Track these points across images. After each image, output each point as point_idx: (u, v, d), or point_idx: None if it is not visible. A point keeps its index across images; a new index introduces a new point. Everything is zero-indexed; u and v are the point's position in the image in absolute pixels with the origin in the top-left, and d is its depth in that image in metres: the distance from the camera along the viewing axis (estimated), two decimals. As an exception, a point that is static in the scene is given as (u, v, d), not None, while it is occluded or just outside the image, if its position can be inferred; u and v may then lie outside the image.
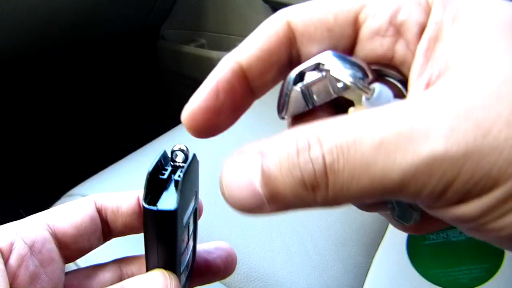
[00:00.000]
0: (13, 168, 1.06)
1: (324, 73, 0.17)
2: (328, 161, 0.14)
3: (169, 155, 0.21)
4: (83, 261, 0.29)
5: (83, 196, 0.51)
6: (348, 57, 0.17)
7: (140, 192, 0.25)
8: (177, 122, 0.69)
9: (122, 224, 0.25)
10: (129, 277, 0.25)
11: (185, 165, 0.20)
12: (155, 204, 0.19)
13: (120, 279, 0.25)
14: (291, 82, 0.18)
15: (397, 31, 0.17)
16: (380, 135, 0.13)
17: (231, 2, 0.95)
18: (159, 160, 0.20)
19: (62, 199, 0.52)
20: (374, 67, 0.17)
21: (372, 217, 0.54)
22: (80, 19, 0.82)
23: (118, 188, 0.52)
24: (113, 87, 1.20)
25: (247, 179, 0.15)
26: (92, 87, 1.16)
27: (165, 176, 0.20)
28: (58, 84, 1.09)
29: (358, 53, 0.18)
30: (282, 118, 0.19)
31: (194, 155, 0.21)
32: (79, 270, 0.26)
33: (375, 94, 0.16)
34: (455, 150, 0.13)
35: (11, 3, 0.66)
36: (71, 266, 0.26)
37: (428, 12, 0.16)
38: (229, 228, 0.50)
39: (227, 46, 0.98)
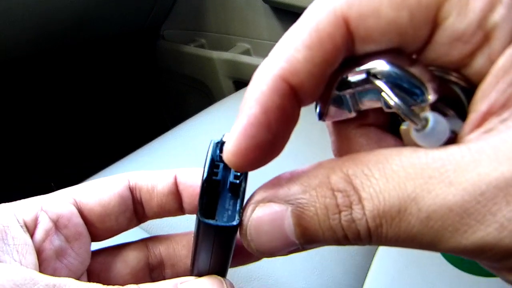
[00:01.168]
0: (13, 168, 1.06)
1: (373, 85, 0.14)
2: (372, 226, 0.13)
3: (211, 149, 0.18)
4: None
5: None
6: (406, 71, 0.14)
7: (177, 171, 0.23)
8: (177, 122, 0.69)
9: (157, 205, 0.23)
10: (156, 256, 0.24)
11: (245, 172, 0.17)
12: (211, 213, 0.17)
13: (147, 258, 0.24)
14: (335, 88, 0.15)
15: (486, 36, 0.13)
16: (427, 209, 0.12)
17: (231, 2, 0.95)
18: (211, 160, 0.18)
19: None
20: (433, 69, 0.14)
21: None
22: (80, 19, 0.82)
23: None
24: (113, 87, 1.20)
25: (279, 231, 0.15)
26: (92, 87, 1.16)
27: (218, 177, 0.18)
28: (58, 84, 1.09)
29: (427, 55, 0.14)
30: (322, 120, 0.17)
31: None
32: (104, 248, 0.24)
33: (427, 129, 0.13)
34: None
35: (10, 3, 0.66)
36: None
37: None
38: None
39: (227, 46, 0.98)
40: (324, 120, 0.17)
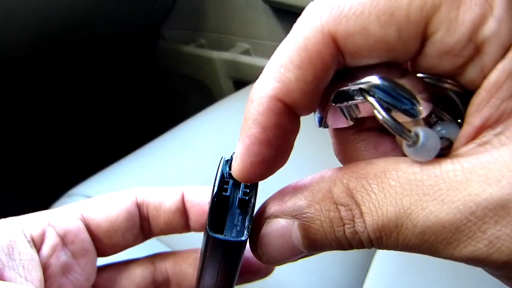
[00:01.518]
0: (13, 168, 1.06)
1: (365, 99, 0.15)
2: (373, 238, 0.14)
3: (221, 166, 0.19)
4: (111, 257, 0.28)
5: (84, 196, 0.51)
6: (398, 84, 0.14)
7: (185, 188, 0.24)
8: (177, 122, 0.69)
9: (164, 222, 0.23)
10: (162, 274, 0.24)
11: (256, 187, 0.18)
12: (220, 228, 0.17)
13: (153, 275, 0.24)
14: (331, 100, 0.16)
15: (477, 50, 0.13)
16: (422, 225, 0.13)
17: (231, 2, 0.95)
18: (222, 176, 0.18)
19: (62, 199, 0.52)
20: (427, 78, 0.14)
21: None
22: (79, 19, 0.82)
23: (118, 188, 0.52)
24: (113, 87, 1.20)
25: (288, 243, 0.16)
26: (92, 87, 1.16)
27: (228, 193, 0.18)
28: (58, 84, 1.09)
29: (418, 66, 0.14)
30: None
31: None
32: (110, 264, 0.24)
33: (418, 145, 0.14)
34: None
35: (10, 3, 0.66)
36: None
37: None
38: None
39: (227, 46, 0.98)
40: (324, 127, 0.18)
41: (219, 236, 0.17)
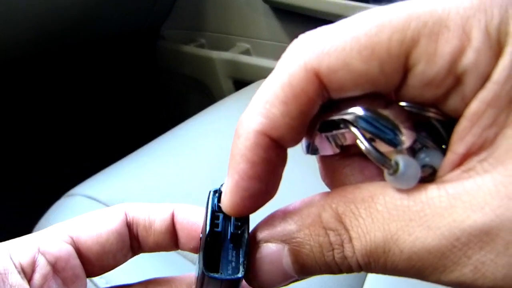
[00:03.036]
0: (13, 168, 1.06)
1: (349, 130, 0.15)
2: (362, 263, 0.14)
3: (210, 197, 0.19)
4: (103, 282, 0.27)
5: (84, 196, 0.51)
6: (381, 115, 0.15)
7: (175, 207, 0.23)
8: (177, 122, 0.69)
9: (153, 242, 0.23)
10: None
11: (247, 222, 0.18)
12: (215, 265, 0.17)
13: None
14: (317, 129, 0.16)
15: (457, 80, 0.13)
16: (408, 251, 0.13)
17: (231, 2, 0.95)
18: (212, 212, 0.18)
19: (62, 199, 0.52)
20: (411, 107, 0.15)
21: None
22: (79, 19, 0.82)
23: (118, 187, 0.52)
24: (113, 87, 1.20)
25: (278, 268, 0.16)
26: (92, 87, 1.16)
27: (219, 228, 0.18)
28: (58, 84, 1.09)
29: (402, 96, 0.15)
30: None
31: None
32: None
33: (398, 174, 0.14)
34: None
35: (10, 3, 0.66)
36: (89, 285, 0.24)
37: (498, 54, 0.13)
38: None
39: (227, 46, 0.98)
40: (311, 154, 0.18)
41: (216, 275, 0.17)
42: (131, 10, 0.93)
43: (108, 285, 0.25)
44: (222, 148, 0.56)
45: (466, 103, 0.13)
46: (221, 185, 0.18)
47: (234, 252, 0.18)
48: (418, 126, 0.15)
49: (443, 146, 0.15)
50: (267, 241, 0.16)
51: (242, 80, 0.97)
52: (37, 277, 0.19)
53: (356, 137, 0.15)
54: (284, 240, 0.16)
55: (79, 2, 0.77)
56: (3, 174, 1.00)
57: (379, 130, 0.14)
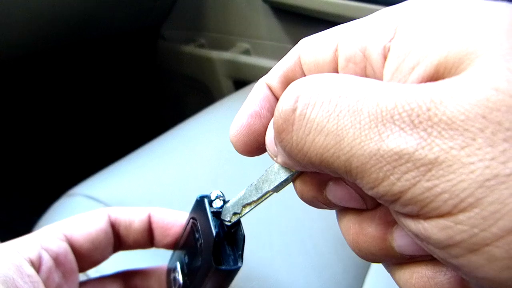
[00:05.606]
0: (14, 168, 1.06)
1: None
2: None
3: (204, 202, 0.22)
4: (94, 271, 0.31)
5: (84, 196, 0.51)
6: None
7: (151, 210, 0.27)
8: (177, 121, 0.69)
9: (132, 240, 0.26)
10: None
11: (240, 223, 0.22)
12: (219, 259, 0.21)
13: None
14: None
15: (364, 56, 0.16)
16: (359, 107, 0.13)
17: (231, 2, 0.95)
18: (212, 216, 0.22)
19: (62, 198, 0.53)
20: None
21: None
22: (80, 19, 0.82)
23: (118, 187, 0.53)
24: (113, 87, 1.20)
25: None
26: (92, 87, 1.16)
27: (217, 229, 0.21)
28: (58, 84, 1.09)
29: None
30: None
31: None
32: (88, 280, 0.27)
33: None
34: (425, 154, 0.12)
35: (10, 3, 0.66)
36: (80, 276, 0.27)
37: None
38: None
39: (227, 46, 0.98)
40: None
41: (224, 267, 0.20)
42: (131, 10, 0.93)
43: (98, 274, 0.28)
44: (221, 148, 0.57)
45: (377, 72, 0.15)
46: (210, 192, 0.22)
47: (229, 247, 0.21)
48: None
49: None
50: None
51: (242, 80, 0.97)
52: (44, 270, 0.22)
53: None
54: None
55: (79, 2, 0.77)
56: (3, 174, 1.00)
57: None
